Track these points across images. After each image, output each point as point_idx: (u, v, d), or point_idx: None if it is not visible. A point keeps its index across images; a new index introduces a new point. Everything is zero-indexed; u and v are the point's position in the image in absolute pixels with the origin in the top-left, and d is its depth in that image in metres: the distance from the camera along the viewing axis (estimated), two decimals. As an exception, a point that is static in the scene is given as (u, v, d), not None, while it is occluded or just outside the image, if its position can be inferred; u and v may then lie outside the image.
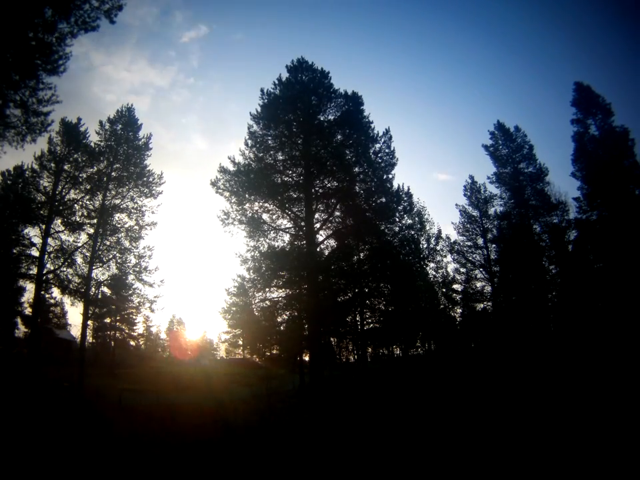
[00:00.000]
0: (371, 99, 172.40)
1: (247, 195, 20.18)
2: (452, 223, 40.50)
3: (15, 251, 23.36)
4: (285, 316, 22.06)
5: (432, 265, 32.19)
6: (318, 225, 20.91)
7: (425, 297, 30.55)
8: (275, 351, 27.61)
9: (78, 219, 23.45)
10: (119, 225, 24.20)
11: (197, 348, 61.38)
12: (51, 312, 39.65)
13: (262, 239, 21.17)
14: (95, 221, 23.35)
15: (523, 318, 25.63)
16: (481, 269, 29.17)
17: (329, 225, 21.54)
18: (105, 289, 26.59)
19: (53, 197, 22.90)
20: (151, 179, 24.61)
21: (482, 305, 30.80)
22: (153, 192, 24.56)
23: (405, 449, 8.00)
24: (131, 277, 24.46)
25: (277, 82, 21.38)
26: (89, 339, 45.01)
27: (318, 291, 18.89)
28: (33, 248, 22.81)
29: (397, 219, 22.96)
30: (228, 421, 10.35)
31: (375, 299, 25.76)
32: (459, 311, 33.19)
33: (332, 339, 32.83)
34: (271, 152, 21.12)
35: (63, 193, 23.39)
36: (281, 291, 21.02)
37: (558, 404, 11.74)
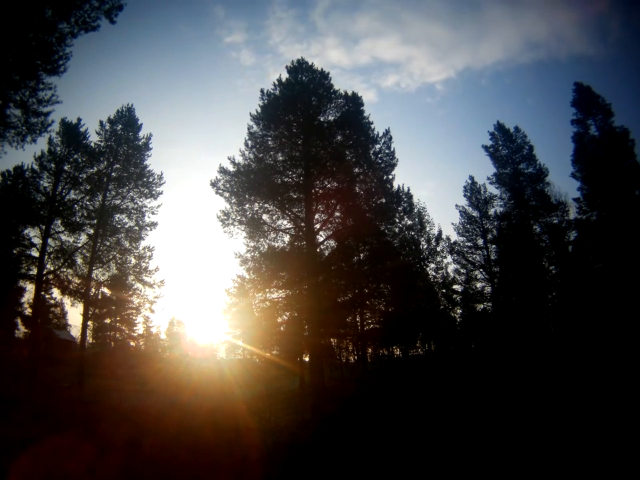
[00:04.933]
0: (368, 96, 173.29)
1: (247, 196, 20.17)
2: (452, 223, 40.58)
3: (15, 252, 23.36)
4: (285, 316, 22.08)
5: (432, 265, 32.23)
6: (318, 226, 20.90)
7: (424, 298, 30.55)
8: (275, 352, 27.61)
9: (78, 220, 23.50)
10: (119, 226, 24.27)
11: (197, 349, 61.21)
12: (51, 312, 39.62)
13: (262, 239, 21.17)
14: (95, 221, 23.40)
15: (523, 318, 25.60)
16: (481, 270, 29.19)
17: (329, 225, 21.52)
18: (105, 290, 26.59)
19: (53, 198, 22.92)
20: (150, 180, 24.67)
21: (482, 306, 30.85)
22: (153, 192, 24.63)
23: (405, 449, 7.99)
24: (131, 278, 24.51)
25: (277, 82, 21.38)
26: (89, 339, 44.97)
27: (318, 291, 18.86)
28: (33, 248, 22.85)
29: (397, 220, 23.03)
30: (228, 421, 10.35)
31: (375, 299, 25.79)
32: (459, 311, 33.22)
33: (332, 340, 32.82)
34: (271, 152, 21.11)
35: (63, 194, 23.42)
36: (281, 291, 21.02)
37: (558, 404, 11.72)
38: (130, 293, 25.16)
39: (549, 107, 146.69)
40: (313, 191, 20.48)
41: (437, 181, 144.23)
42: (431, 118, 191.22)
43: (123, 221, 24.41)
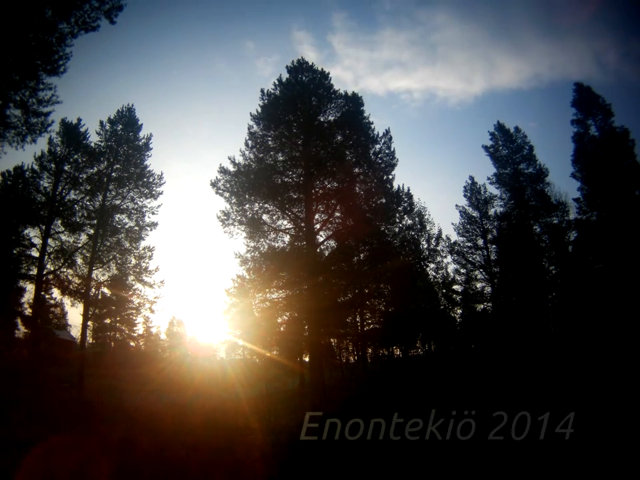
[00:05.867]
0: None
1: (247, 196, 20.16)
2: (452, 223, 40.66)
3: (15, 252, 23.35)
4: (285, 316, 22.04)
5: (432, 265, 32.27)
6: (318, 226, 20.88)
7: (425, 298, 30.58)
8: (275, 352, 27.62)
9: (78, 220, 23.50)
10: (119, 226, 24.25)
11: (197, 348, 61.18)
12: (51, 312, 39.47)
13: (262, 239, 21.15)
14: (95, 221, 23.39)
15: (523, 318, 25.62)
16: (481, 270, 29.20)
17: (329, 225, 21.50)
18: (105, 290, 26.55)
19: (53, 198, 22.92)
20: (151, 180, 24.66)
21: (482, 306, 30.89)
22: (153, 192, 24.63)
23: (404, 448, 7.99)
24: (131, 278, 24.47)
25: (277, 82, 21.39)
26: (89, 339, 45.01)
27: (318, 291, 18.85)
28: (33, 248, 22.86)
29: (397, 220, 22.93)
30: (228, 420, 10.35)
31: (375, 299, 25.77)
32: (459, 311, 33.29)
33: (332, 340, 32.85)
34: (271, 152, 21.10)
35: (63, 194, 23.42)
36: (281, 291, 20.98)
37: (558, 404, 11.71)
38: (130, 293, 25.11)
39: (549, 130, 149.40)
40: (313, 191, 20.47)
41: (448, 193, 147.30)
42: (444, 142, 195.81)
43: (123, 221, 24.42)
